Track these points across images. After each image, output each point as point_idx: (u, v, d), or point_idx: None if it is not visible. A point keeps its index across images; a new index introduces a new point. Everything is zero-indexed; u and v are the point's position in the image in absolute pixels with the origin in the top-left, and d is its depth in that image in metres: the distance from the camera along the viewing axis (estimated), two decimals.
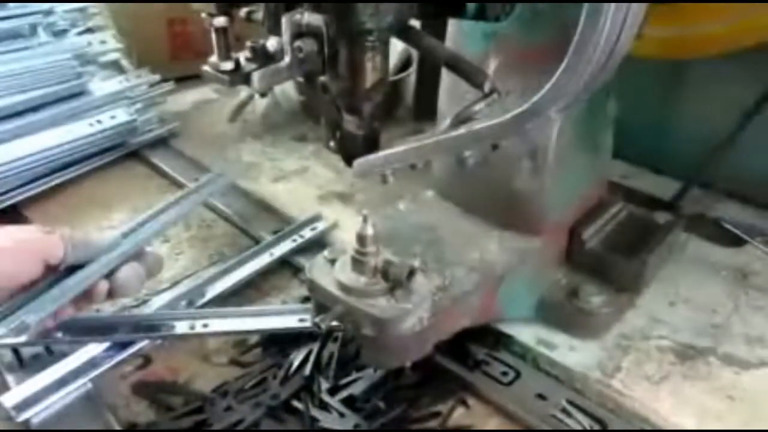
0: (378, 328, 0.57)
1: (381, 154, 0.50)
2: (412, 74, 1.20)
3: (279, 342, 0.72)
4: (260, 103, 1.22)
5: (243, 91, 1.23)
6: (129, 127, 1.11)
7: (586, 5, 0.34)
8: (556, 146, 0.66)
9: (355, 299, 0.59)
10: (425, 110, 1.16)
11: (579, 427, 0.63)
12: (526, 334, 0.73)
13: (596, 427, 0.63)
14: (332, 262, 0.62)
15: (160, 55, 1.39)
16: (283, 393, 0.64)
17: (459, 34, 0.68)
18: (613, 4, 0.33)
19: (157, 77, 1.23)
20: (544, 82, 0.46)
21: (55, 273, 0.61)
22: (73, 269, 0.62)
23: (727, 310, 0.77)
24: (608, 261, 0.74)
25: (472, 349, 0.71)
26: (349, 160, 0.53)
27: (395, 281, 0.58)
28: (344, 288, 0.59)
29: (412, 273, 0.58)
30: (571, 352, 0.71)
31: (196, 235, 0.95)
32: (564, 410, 0.64)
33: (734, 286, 0.81)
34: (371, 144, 0.51)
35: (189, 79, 1.36)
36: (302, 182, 1.07)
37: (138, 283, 0.66)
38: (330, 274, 0.61)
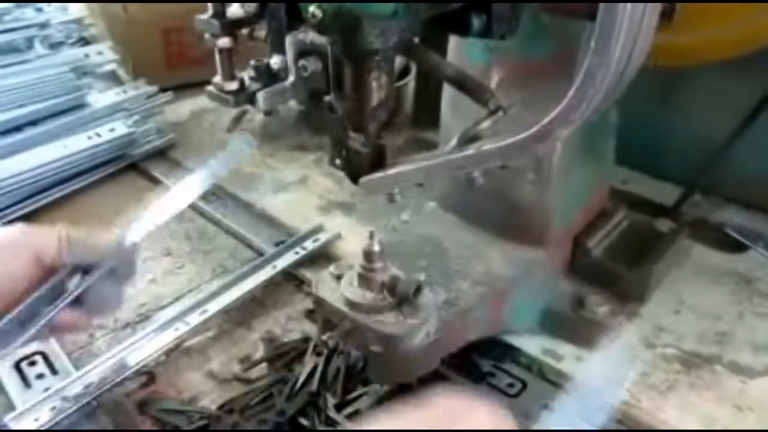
0: (386, 344, 0.57)
1: (388, 172, 0.50)
2: (411, 81, 1.19)
3: (284, 357, 0.72)
4: (259, 113, 1.21)
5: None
6: (128, 140, 1.10)
7: (596, 32, 0.34)
8: (561, 158, 0.67)
9: (363, 315, 0.59)
10: (425, 117, 1.16)
11: None
12: (532, 345, 0.73)
13: None
14: (338, 278, 0.62)
15: (157, 64, 1.38)
16: (290, 409, 0.63)
17: (461, 47, 0.68)
18: (623, 30, 0.33)
19: (154, 88, 1.22)
20: (547, 96, 0.46)
21: (55, 274, 0.55)
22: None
23: (732, 317, 0.78)
24: (613, 271, 0.74)
25: (478, 362, 0.71)
26: (354, 178, 0.53)
27: (402, 297, 0.58)
28: (351, 304, 0.59)
29: (419, 289, 0.58)
30: (577, 362, 0.71)
31: (198, 248, 0.95)
32: None
33: (738, 292, 0.82)
34: (377, 162, 0.51)
35: (186, 87, 1.36)
36: (303, 192, 1.06)
37: (115, 297, 0.58)
38: (336, 290, 0.61)
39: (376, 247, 0.58)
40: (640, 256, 0.76)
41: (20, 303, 0.53)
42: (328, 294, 0.61)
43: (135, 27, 1.36)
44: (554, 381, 0.69)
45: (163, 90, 1.24)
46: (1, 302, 0.52)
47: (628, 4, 0.33)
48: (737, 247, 0.90)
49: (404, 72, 1.20)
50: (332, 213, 1.00)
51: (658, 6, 0.36)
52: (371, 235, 0.56)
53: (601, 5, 0.33)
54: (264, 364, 0.72)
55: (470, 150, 0.44)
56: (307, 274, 0.86)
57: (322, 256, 0.89)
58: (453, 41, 0.68)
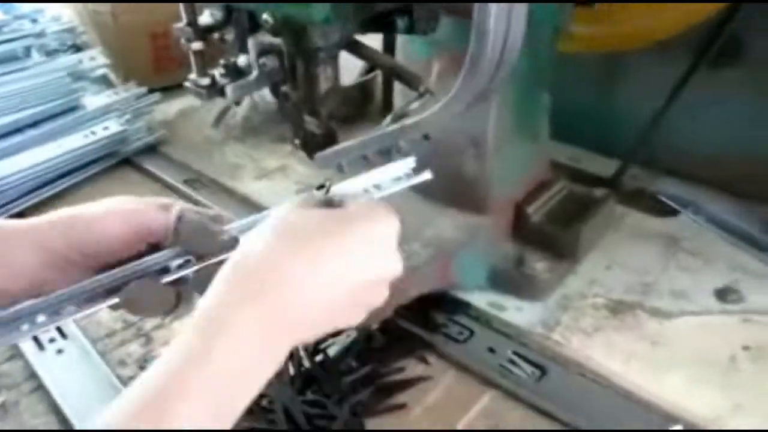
0: None
1: (336, 147, 0.60)
2: (378, 75, 1.30)
3: None
4: (241, 109, 1.31)
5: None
6: (120, 137, 1.20)
7: (473, 29, 0.45)
8: (494, 135, 0.77)
9: None
10: (392, 107, 1.26)
11: (524, 374, 0.74)
12: (481, 299, 0.84)
13: (537, 372, 0.74)
14: None
15: (145, 67, 1.48)
16: None
17: (407, 43, 0.78)
18: (494, 27, 0.43)
19: (143, 89, 1.33)
20: None
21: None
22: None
23: (657, 271, 0.88)
24: (549, 233, 0.85)
25: (433, 315, 0.82)
26: (311, 155, 0.63)
27: None
28: None
29: None
30: (518, 312, 0.82)
31: None
32: (511, 360, 0.75)
33: (665, 250, 0.92)
34: (329, 141, 0.61)
35: (173, 88, 1.46)
36: (282, 179, 1.17)
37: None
38: None
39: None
40: (573, 219, 0.86)
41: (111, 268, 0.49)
42: None
43: (124, 33, 1.46)
44: (498, 328, 0.80)
45: (152, 91, 1.35)
46: (95, 260, 0.50)
47: (494, 6, 0.43)
48: (669, 213, 1.01)
49: (372, 67, 1.30)
50: None
51: (524, 7, 0.46)
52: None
53: (475, 7, 0.44)
54: None
55: (396, 125, 0.55)
56: None
57: None
58: (400, 39, 0.79)
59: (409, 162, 0.55)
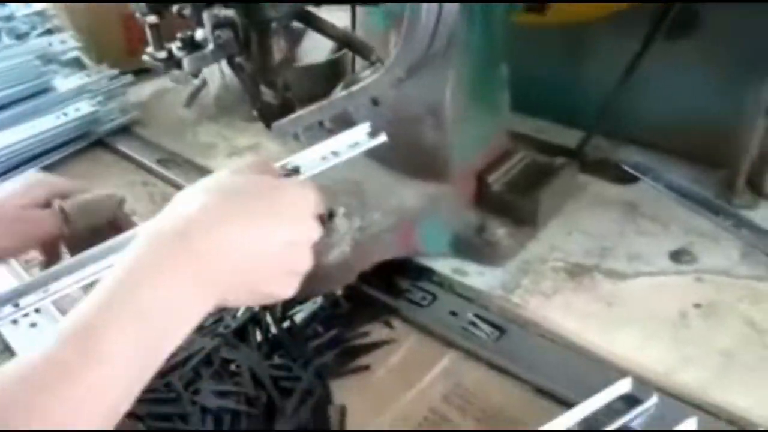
0: None
1: (292, 116, 0.62)
2: (349, 52, 1.31)
3: None
4: (213, 89, 1.32)
5: (196, 79, 1.34)
6: (92, 118, 1.21)
7: (407, 8, 0.47)
8: (452, 106, 0.79)
9: None
10: None
11: (483, 335, 0.77)
12: (444, 265, 0.86)
13: (497, 333, 0.77)
14: None
15: (118, 50, 1.48)
16: (234, 324, 0.76)
17: (365, 16, 0.80)
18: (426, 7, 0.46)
19: (115, 71, 1.33)
20: None
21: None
22: None
23: (615, 235, 0.91)
24: (509, 200, 0.88)
25: (397, 281, 0.84)
26: (268, 125, 0.65)
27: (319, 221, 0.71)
28: None
29: (331, 215, 0.71)
30: (480, 277, 0.84)
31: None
32: (471, 323, 0.78)
33: (624, 216, 0.95)
34: (285, 110, 0.63)
35: (147, 71, 1.47)
36: (254, 155, 1.19)
37: None
38: None
39: None
40: (534, 187, 0.89)
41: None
42: None
43: (95, 15, 1.46)
44: (460, 293, 0.83)
45: (125, 73, 1.36)
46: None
47: None
48: (630, 180, 1.04)
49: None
50: None
51: None
52: (287, 175, 0.69)
53: None
54: None
55: (345, 91, 0.57)
56: None
57: None
58: (359, 12, 0.81)
59: (365, 127, 0.58)
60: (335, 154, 0.57)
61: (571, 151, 1.06)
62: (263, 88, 0.63)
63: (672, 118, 1.04)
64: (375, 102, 0.55)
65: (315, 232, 0.53)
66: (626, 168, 1.05)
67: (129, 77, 1.35)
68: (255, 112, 0.65)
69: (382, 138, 0.53)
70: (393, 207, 0.81)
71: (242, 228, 0.45)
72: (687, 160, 1.04)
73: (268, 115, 0.63)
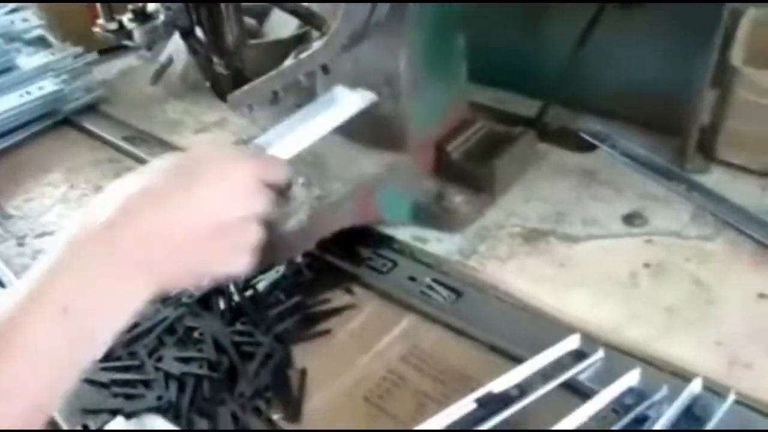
0: (264, 229, 0.72)
1: (245, 87, 0.64)
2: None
3: None
4: (179, 66, 1.32)
5: (163, 56, 1.34)
6: (57, 96, 1.21)
7: None
8: (407, 75, 0.81)
9: None
10: None
11: (440, 298, 0.79)
12: (404, 233, 0.88)
13: (453, 296, 0.79)
14: None
15: (83, 28, 1.46)
16: (197, 292, 0.78)
17: None
18: None
19: (80, 49, 1.33)
20: None
21: None
22: None
23: (571, 201, 0.94)
24: (466, 168, 0.90)
25: (359, 250, 0.87)
26: (222, 96, 0.66)
27: (277, 191, 0.73)
28: None
29: (288, 185, 0.73)
30: (439, 243, 0.87)
31: None
32: (429, 287, 0.80)
33: (581, 182, 0.98)
34: (238, 82, 0.64)
35: (114, 49, 1.47)
36: (221, 131, 1.19)
37: None
38: None
39: None
40: (490, 154, 0.91)
41: None
42: None
43: None
44: (419, 259, 0.85)
45: (90, 52, 1.35)
46: None
47: None
48: (588, 148, 1.06)
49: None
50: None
51: None
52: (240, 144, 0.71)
53: None
54: None
55: (294, 60, 0.58)
56: None
57: None
58: None
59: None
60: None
61: (530, 120, 1.08)
62: (215, 60, 0.64)
63: (627, 87, 1.06)
64: (325, 70, 0.57)
65: (258, 204, 0.52)
66: (585, 136, 1.08)
67: (94, 55, 1.35)
68: (207, 84, 0.66)
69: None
70: (352, 176, 0.83)
71: (168, 211, 0.45)
72: (643, 128, 1.07)
73: (221, 86, 0.65)
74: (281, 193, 0.72)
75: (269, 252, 0.76)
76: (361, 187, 0.82)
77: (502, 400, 0.64)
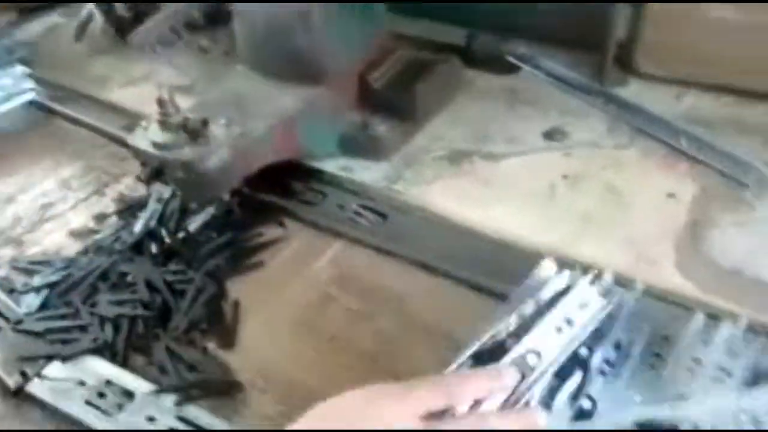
0: (186, 170, 0.73)
1: (145, 25, 0.63)
2: None
3: (131, 209, 0.87)
4: (100, 21, 1.29)
5: (83, 10, 1.30)
6: None
7: None
8: (320, 10, 0.81)
9: (166, 152, 0.74)
10: None
11: (367, 223, 0.82)
12: (332, 165, 0.90)
13: (380, 220, 0.82)
14: (146, 128, 0.76)
15: None
16: (131, 239, 0.79)
17: None
18: None
19: None
20: None
21: None
22: None
23: (495, 122, 0.96)
24: (388, 96, 0.91)
25: (291, 184, 0.88)
26: (124, 39, 0.66)
27: (194, 132, 0.73)
28: (156, 145, 0.74)
29: (206, 123, 0.74)
30: (366, 171, 0.89)
31: (58, 145, 1.07)
32: (357, 213, 0.83)
33: (505, 103, 1.00)
34: (138, 22, 0.64)
35: (37, 10, 1.42)
36: (148, 84, 1.17)
37: None
38: (145, 137, 0.75)
39: (165, 96, 0.72)
40: (413, 83, 0.92)
41: None
42: (139, 142, 0.75)
43: None
44: (347, 188, 0.87)
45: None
46: None
47: None
48: (513, 70, 1.08)
49: None
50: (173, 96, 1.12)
51: None
52: (162, 97, 0.71)
53: None
54: (114, 217, 0.87)
55: None
56: None
57: None
58: None
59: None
60: (569, 322, 0.53)
61: (458, 48, 1.09)
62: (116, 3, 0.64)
63: (549, 8, 1.07)
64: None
65: None
66: (510, 59, 1.09)
67: (12, 15, 1.30)
68: (106, 23, 0.66)
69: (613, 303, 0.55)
70: (272, 113, 0.83)
71: None
72: (566, 47, 1.09)
73: (122, 27, 0.64)
74: (198, 132, 0.74)
75: (194, 191, 0.78)
76: (282, 123, 0.83)
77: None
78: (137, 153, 0.76)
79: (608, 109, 0.96)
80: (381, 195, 0.85)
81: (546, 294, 0.57)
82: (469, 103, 1.01)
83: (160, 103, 0.72)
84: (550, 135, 0.92)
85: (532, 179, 0.85)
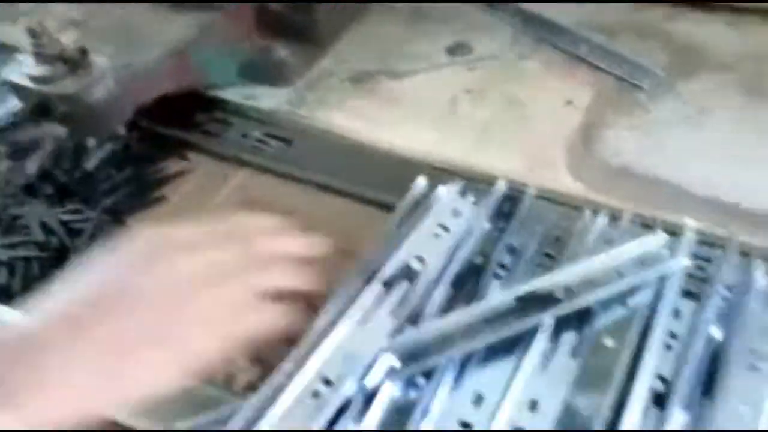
0: (69, 103, 0.70)
1: None
2: None
3: (23, 150, 0.83)
4: None
5: None
6: None
7: None
8: None
9: (46, 86, 0.70)
10: None
11: (272, 150, 0.80)
12: (236, 94, 0.87)
13: (284, 146, 0.81)
14: (21, 63, 0.72)
15: None
16: (23, 180, 0.76)
17: None
18: None
19: None
20: None
21: None
22: None
23: (400, 40, 0.95)
24: (288, 19, 0.88)
25: (194, 116, 0.85)
26: None
27: (73, 62, 0.70)
28: (34, 79, 0.70)
29: (84, 51, 0.70)
30: (270, 99, 0.86)
31: None
32: (260, 140, 0.81)
33: (409, 21, 0.98)
34: None
35: None
36: (40, 17, 1.11)
37: None
38: (20, 72, 0.71)
39: (37, 26, 0.68)
40: (313, 3, 0.89)
41: None
42: (16, 78, 0.71)
43: None
44: (251, 116, 0.85)
45: None
46: None
47: None
48: None
49: None
50: (67, 30, 1.05)
51: None
52: (33, 26, 0.67)
53: None
54: (5, 160, 0.83)
55: None
56: None
57: None
58: None
59: None
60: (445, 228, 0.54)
61: None
62: None
63: None
64: None
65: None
66: None
67: None
68: None
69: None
70: (162, 40, 0.80)
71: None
72: None
73: None
74: (77, 62, 0.70)
75: (84, 126, 0.75)
76: (174, 51, 0.79)
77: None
78: (16, 90, 0.72)
79: (513, 22, 0.95)
80: (285, 120, 0.83)
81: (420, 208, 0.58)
82: (374, 22, 0.99)
83: (32, 33, 0.68)
84: (453, 50, 0.91)
85: (434, 95, 0.85)
